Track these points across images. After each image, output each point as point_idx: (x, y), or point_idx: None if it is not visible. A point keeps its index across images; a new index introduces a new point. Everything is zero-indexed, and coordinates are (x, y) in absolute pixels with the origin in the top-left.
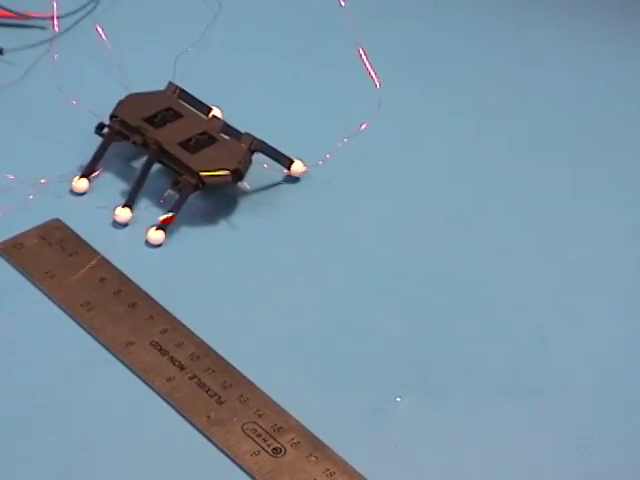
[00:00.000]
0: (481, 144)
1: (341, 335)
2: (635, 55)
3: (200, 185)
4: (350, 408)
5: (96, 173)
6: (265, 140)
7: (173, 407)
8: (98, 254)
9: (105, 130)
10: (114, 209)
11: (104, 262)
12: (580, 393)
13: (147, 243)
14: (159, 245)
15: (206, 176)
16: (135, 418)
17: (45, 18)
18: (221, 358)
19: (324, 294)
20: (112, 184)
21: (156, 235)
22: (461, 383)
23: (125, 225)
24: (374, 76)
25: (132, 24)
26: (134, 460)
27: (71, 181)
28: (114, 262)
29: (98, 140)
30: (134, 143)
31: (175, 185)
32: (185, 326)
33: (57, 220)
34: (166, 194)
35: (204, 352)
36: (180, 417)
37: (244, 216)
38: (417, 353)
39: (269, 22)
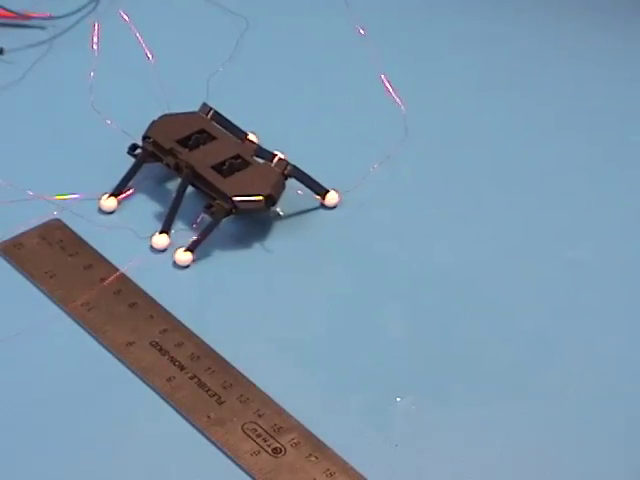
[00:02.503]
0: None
1: (341, 335)
2: None
3: (233, 210)
4: (350, 408)
5: (128, 193)
6: (295, 165)
7: (173, 407)
8: (99, 256)
9: (138, 151)
10: (151, 236)
11: (105, 263)
12: (582, 394)
13: (175, 264)
14: (187, 266)
15: (239, 201)
16: (135, 418)
17: (45, 18)
18: (221, 358)
19: (325, 295)
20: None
21: (184, 256)
22: (461, 383)
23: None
24: (399, 101)
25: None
26: (134, 460)
27: (99, 199)
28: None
29: (126, 157)
30: (167, 165)
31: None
32: (185, 326)
33: (57, 220)
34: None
35: (204, 352)
36: (180, 417)
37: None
38: (417, 353)
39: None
